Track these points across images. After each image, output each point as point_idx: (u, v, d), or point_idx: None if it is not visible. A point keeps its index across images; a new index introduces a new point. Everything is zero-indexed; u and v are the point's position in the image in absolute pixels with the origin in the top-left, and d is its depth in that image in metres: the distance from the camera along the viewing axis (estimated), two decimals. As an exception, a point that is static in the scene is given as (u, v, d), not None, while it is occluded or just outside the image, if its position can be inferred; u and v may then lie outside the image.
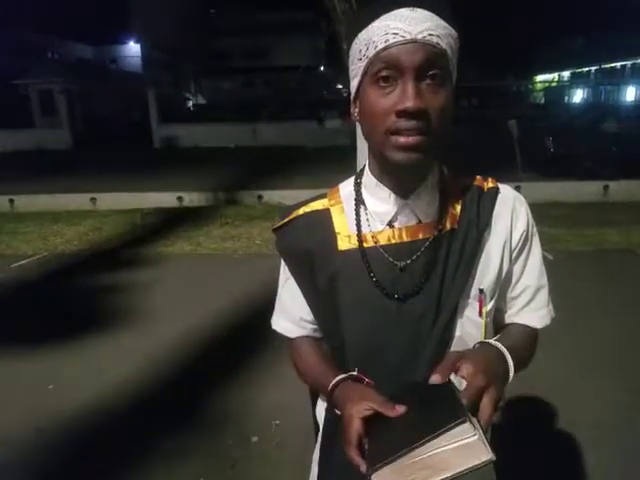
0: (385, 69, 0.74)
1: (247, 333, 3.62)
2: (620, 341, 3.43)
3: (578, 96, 28.31)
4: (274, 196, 8.26)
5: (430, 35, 0.73)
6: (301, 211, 0.96)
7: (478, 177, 0.93)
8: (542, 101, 24.16)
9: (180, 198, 8.47)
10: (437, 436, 0.62)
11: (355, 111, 0.84)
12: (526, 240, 0.91)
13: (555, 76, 34.31)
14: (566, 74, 34.38)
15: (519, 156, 8.77)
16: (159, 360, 3.36)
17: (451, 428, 0.61)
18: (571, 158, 8.97)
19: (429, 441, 0.62)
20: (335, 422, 0.87)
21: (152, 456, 2.46)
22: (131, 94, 21.34)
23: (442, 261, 0.85)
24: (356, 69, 0.79)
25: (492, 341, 0.82)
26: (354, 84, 0.82)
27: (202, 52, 32.25)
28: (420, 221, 0.87)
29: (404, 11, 0.73)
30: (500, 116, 10.52)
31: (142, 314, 4.12)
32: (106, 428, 2.68)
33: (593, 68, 31.24)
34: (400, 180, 0.84)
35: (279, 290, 1.03)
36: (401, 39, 0.72)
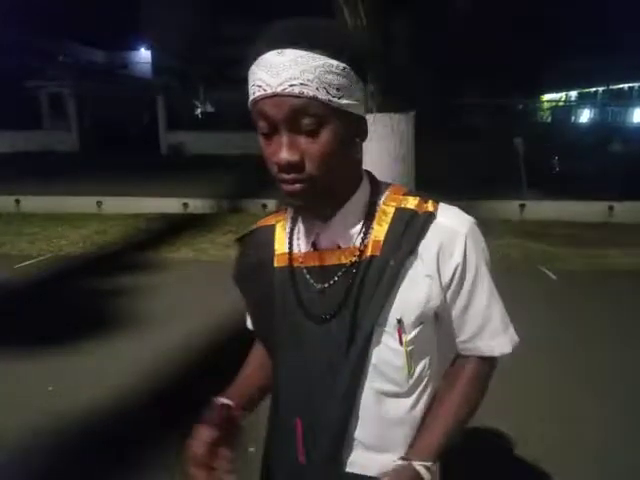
0: (262, 121, 0.74)
1: (247, 341, 3.61)
2: (622, 364, 3.40)
3: (585, 116, 28.40)
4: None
5: (291, 86, 0.70)
6: (259, 224, 1.00)
7: (418, 199, 0.86)
8: (549, 120, 24.22)
9: (185, 204, 8.52)
10: None
11: None
12: (463, 274, 0.84)
13: (562, 95, 34.44)
14: (573, 94, 34.50)
15: (524, 174, 8.78)
16: (159, 365, 3.36)
17: None
18: (576, 178, 9.01)
19: None
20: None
21: (149, 462, 2.46)
22: (140, 100, 21.51)
23: (357, 288, 0.83)
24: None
25: (417, 465, 0.83)
26: None
27: (212, 60, 32.54)
28: (340, 246, 0.85)
29: (270, 56, 0.71)
30: (506, 134, 10.55)
31: (143, 319, 4.13)
32: (104, 432, 2.68)
33: (600, 89, 31.37)
34: (307, 215, 0.87)
35: None
36: (264, 93, 0.71)
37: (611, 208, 7.86)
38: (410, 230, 0.83)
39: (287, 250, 0.90)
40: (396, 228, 0.83)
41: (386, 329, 0.83)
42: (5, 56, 22.80)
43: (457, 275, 0.84)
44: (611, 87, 30.07)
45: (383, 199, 0.87)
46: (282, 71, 0.70)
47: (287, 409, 0.93)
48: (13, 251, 6.14)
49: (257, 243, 0.96)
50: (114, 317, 4.17)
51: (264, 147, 0.77)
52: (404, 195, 0.87)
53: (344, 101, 0.74)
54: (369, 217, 0.85)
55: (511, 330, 0.91)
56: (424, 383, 0.90)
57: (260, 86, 0.72)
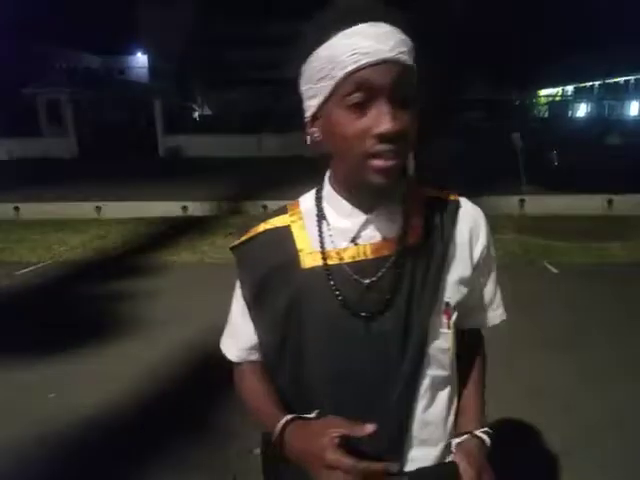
0: (357, 92, 0.70)
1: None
2: (622, 358, 3.40)
3: (582, 110, 28.43)
4: (278, 206, 8.27)
5: (399, 52, 0.70)
6: (261, 228, 0.92)
7: (440, 190, 0.92)
8: (546, 115, 24.24)
9: (185, 207, 8.51)
10: None
11: (314, 131, 0.80)
12: (488, 254, 0.91)
13: (559, 90, 34.44)
14: (570, 88, 34.52)
15: (523, 169, 8.78)
16: (161, 370, 3.35)
17: None
18: (575, 171, 9.00)
19: None
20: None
21: (153, 467, 2.45)
22: (138, 104, 21.53)
23: (408, 277, 0.82)
24: (317, 89, 0.75)
25: (478, 433, 0.89)
26: (313, 104, 0.77)
27: (209, 63, 32.56)
28: (384, 237, 0.84)
29: (365, 27, 0.70)
30: (504, 129, 10.55)
31: (145, 323, 4.12)
32: (107, 438, 2.67)
33: (597, 83, 31.38)
34: (365, 197, 0.82)
35: (231, 313, 0.99)
36: (372, 59, 0.69)
37: (610, 201, 7.86)
38: (445, 217, 0.87)
39: (318, 249, 0.85)
40: (431, 216, 0.86)
41: (438, 314, 0.85)
42: (1, 63, 22.82)
43: (483, 256, 0.90)
44: (607, 81, 30.06)
45: (413, 189, 0.89)
46: (388, 38, 0.70)
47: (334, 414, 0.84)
48: (13, 258, 6.13)
49: (269, 247, 0.89)
50: (115, 322, 4.16)
51: (351, 121, 0.72)
52: (423, 188, 0.91)
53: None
54: (406, 207, 0.86)
55: (502, 302, 1.00)
56: (455, 365, 0.93)
57: (367, 52, 0.69)
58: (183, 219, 8.19)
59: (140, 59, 40.84)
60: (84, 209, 8.43)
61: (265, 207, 8.42)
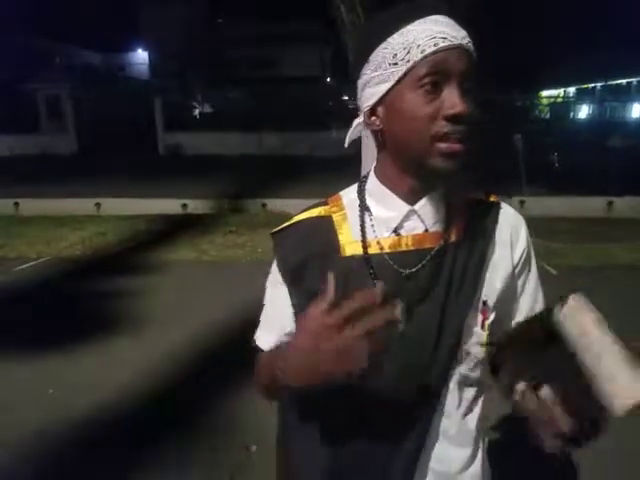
0: (433, 74, 0.72)
1: (248, 342, 3.60)
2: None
3: (583, 112, 28.42)
4: (278, 204, 8.28)
5: (469, 42, 0.74)
6: (301, 217, 0.93)
7: (480, 191, 0.93)
8: (547, 116, 24.23)
9: (184, 205, 8.50)
10: None
11: (376, 119, 0.80)
12: (528, 257, 0.91)
13: (561, 92, 34.45)
14: (572, 90, 34.52)
15: (524, 170, 8.78)
16: (160, 367, 3.35)
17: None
18: (576, 173, 9.00)
19: None
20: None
21: (151, 465, 2.45)
22: (138, 101, 21.50)
23: (448, 271, 0.83)
24: (387, 74, 0.76)
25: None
26: (381, 89, 0.77)
27: (210, 61, 32.54)
28: (427, 229, 0.84)
29: (438, 17, 0.74)
30: (505, 130, 10.55)
31: (143, 320, 4.11)
32: (105, 434, 2.67)
33: (598, 84, 31.38)
34: (415, 187, 0.83)
35: (266, 303, 0.97)
36: (449, 43, 0.72)
37: (611, 203, 7.87)
38: (487, 217, 0.88)
39: (359, 238, 0.86)
40: (474, 215, 0.87)
41: (473, 313, 0.84)
42: (2, 59, 22.79)
43: (523, 258, 0.90)
44: (609, 83, 30.07)
45: (453, 188, 0.89)
46: (458, 29, 0.74)
47: (361, 404, 0.83)
48: (12, 254, 6.12)
49: (309, 235, 0.89)
50: (114, 319, 4.15)
51: (423, 103, 0.73)
52: (463, 187, 0.91)
53: None
54: (448, 203, 0.86)
55: None
56: (486, 374, 0.91)
57: (445, 37, 0.72)
58: (183, 217, 8.18)
59: (141, 56, 40.79)
60: (84, 205, 8.42)
61: (265, 205, 8.42)
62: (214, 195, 8.94)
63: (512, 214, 0.91)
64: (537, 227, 6.75)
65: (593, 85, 31.93)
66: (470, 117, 0.73)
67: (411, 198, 0.84)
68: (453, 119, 0.72)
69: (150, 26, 37.49)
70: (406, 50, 0.73)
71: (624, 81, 29.66)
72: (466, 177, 0.91)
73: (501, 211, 0.90)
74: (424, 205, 0.84)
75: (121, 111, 21.33)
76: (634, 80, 28.29)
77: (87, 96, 20.41)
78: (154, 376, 3.24)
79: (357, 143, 0.97)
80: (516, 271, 0.89)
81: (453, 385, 0.85)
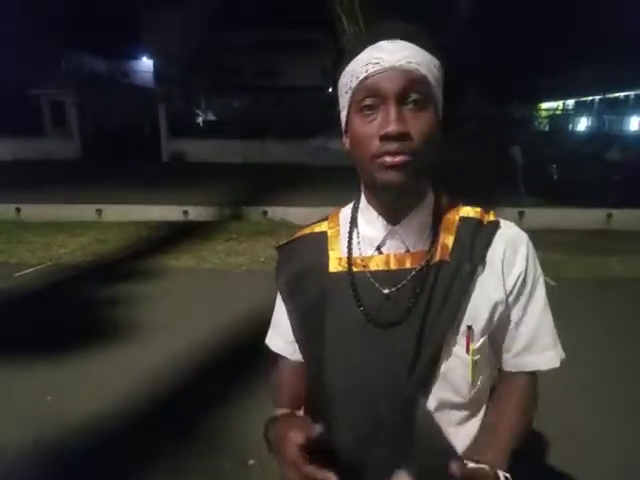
0: (368, 97, 0.77)
1: (248, 351, 3.60)
2: (622, 374, 3.40)
3: (582, 124, 28.53)
4: (279, 212, 8.31)
5: (408, 62, 0.76)
6: (303, 232, 0.98)
7: (479, 209, 0.90)
8: (546, 128, 24.31)
9: (186, 212, 8.53)
10: None
11: (346, 141, 0.85)
12: (524, 282, 0.87)
13: (560, 104, 34.58)
14: (571, 102, 34.66)
15: (522, 182, 8.82)
16: (158, 375, 3.35)
17: None
18: (575, 185, 9.02)
19: None
20: None
21: (149, 474, 2.45)
22: (142, 108, 21.61)
23: (428, 292, 0.82)
24: (343, 101, 0.83)
25: (499, 472, 0.78)
26: (343, 116, 0.85)
27: (213, 69, 32.72)
28: (408, 249, 0.85)
29: (384, 43, 0.78)
30: (504, 142, 10.61)
31: (143, 328, 4.12)
32: (103, 443, 2.67)
33: (597, 97, 31.52)
34: (388, 205, 0.84)
35: (275, 308, 1.03)
36: (380, 67, 0.76)
37: (610, 215, 7.89)
38: (478, 238, 0.86)
39: (345, 255, 0.88)
40: (463, 235, 0.86)
41: (455, 336, 0.83)
42: (7, 64, 22.92)
43: (519, 283, 0.86)
44: (607, 95, 30.21)
45: (445, 206, 0.89)
46: (399, 51, 0.77)
47: (344, 420, 0.86)
48: (12, 259, 6.14)
49: (306, 250, 0.94)
50: (114, 326, 4.16)
51: (362, 125, 0.79)
52: (462, 205, 0.91)
53: (439, 93, 0.81)
54: (436, 222, 0.87)
55: (559, 344, 0.91)
56: (482, 396, 0.90)
57: (377, 62, 0.77)
58: (184, 223, 8.20)
59: (145, 63, 41.02)
60: (85, 211, 8.45)
61: (266, 213, 8.45)
62: (215, 202, 8.97)
63: (510, 235, 0.88)
64: (536, 239, 6.72)
65: (592, 98, 32.07)
66: (403, 134, 0.75)
67: (393, 216, 0.85)
68: (386, 137, 0.75)
69: (154, 34, 37.71)
70: (351, 78, 0.80)
71: (622, 94, 29.78)
72: (451, 192, 0.93)
73: (498, 232, 0.87)
74: (405, 225, 0.85)
75: (125, 118, 21.45)
76: (632, 93, 28.42)
77: (91, 102, 20.51)
78: (154, 384, 3.25)
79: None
80: (511, 297, 0.86)
81: (431, 406, 0.83)
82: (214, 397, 3.11)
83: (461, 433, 0.88)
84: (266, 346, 1.04)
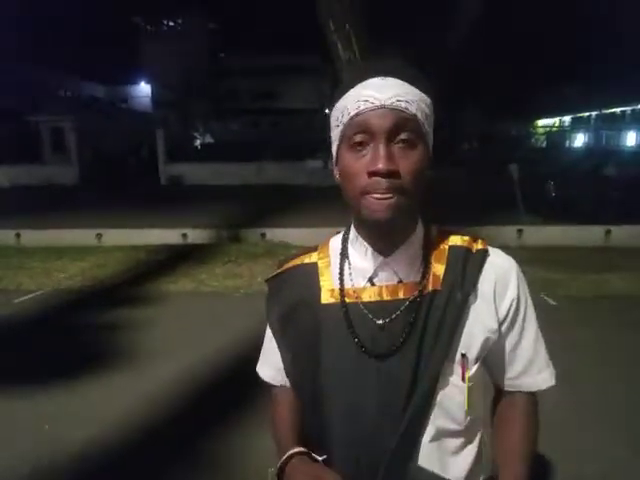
0: (358, 134, 0.78)
1: (245, 374, 3.57)
2: (622, 392, 3.37)
3: (579, 141, 28.80)
4: (277, 234, 8.32)
5: (398, 101, 0.77)
6: (291, 264, 0.98)
7: (467, 238, 0.91)
8: (544, 145, 24.54)
9: (184, 235, 8.55)
10: None
11: (337, 174, 0.86)
12: (517, 309, 0.88)
13: (557, 121, 34.95)
14: (567, 119, 35.03)
15: (520, 200, 8.86)
16: (158, 401, 3.32)
17: None
18: (573, 202, 9.07)
19: None
20: None
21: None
22: (140, 133, 21.85)
23: (422, 322, 0.83)
24: (334, 135, 0.84)
25: None
26: (334, 149, 0.86)
27: (211, 93, 33.16)
28: (401, 280, 0.86)
29: (375, 80, 0.79)
30: (502, 160, 10.70)
31: (142, 353, 4.10)
32: (101, 470, 2.63)
33: (594, 113, 31.88)
34: (378, 238, 0.85)
35: (265, 338, 1.03)
36: (371, 105, 0.77)
37: (608, 232, 7.89)
38: (469, 266, 0.87)
39: (338, 286, 0.89)
40: (454, 264, 0.87)
41: (451, 364, 0.84)
42: (6, 90, 23.22)
43: (512, 310, 0.88)
44: (604, 111, 30.56)
45: (435, 237, 0.90)
46: (389, 89, 0.78)
47: (342, 452, 0.87)
48: (12, 285, 6.13)
49: (296, 281, 0.94)
50: (113, 352, 4.14)
51: (352, 161, 0.80)
52: (451, 234, 0.92)
53: (429, 130, 0.82)
54: (426, 253, 0.88)
55: (551, 363, 0.95)
56: (476, 423, 0.91)
57: (367, 100, 0.78)
58: (182, 247, 8.21)
59: (143, 89, 41.59)
60: (85, 236, 8.46)
61: (264, 235, 8.47)
62: (214, 225, 9.00)
63: (499, 264, 0.89)
64: (535, 256, 6.79)
65: (588, 114, 32.43)
66: (391, 172, 0.75)
67: (384, 248, 0.86)
68: (374, 174, 0.76)
69: (153, 59, 38.35)
70: (342, 113, 0.81)
71: (619, 110, 30.12)
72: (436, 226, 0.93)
73: (488, 259, 0.88)
74: (397, 256, 0.86)
75: (124, 142, 21.67)
76: (628, 109, 28.74)
77: (90, 128, 20.74)
78: (153, 409, 3.22)
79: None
80: (504, 326, 0.88)
81: (429, 435, 0.84)
82: (213, 422, 3.08)
83: (459, 462, 0.88)
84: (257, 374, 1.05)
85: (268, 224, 8.91)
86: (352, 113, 0.79)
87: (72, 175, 19.45)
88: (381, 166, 0.75)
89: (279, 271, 0.99)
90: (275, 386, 1.03)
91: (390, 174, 0.75)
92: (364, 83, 0.79)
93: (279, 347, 0.97)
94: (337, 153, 0.85)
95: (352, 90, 0.80)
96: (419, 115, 0.79)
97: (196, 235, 8.59)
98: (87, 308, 5.30)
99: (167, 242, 8.28)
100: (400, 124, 0.77)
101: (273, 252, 7.36)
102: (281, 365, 0.98)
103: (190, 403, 3.33)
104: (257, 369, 1.06)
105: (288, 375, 0.97)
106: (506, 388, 0.94)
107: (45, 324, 4.87)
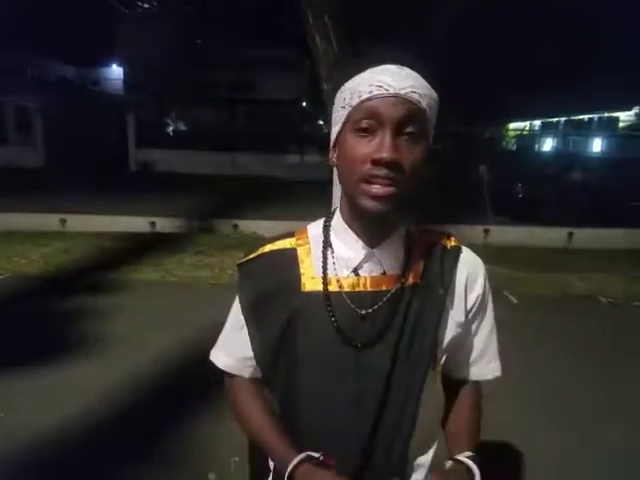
0: (366, 119, 0.77)
1: (210, 365, 3.56)
2: (582, 387, 3.49)
3: (548, 145, 29.48)
4: (250, 226, 8.26)
5: (412, 92, 0.76)
6: (267, 249, 0.95)
7: (442, 234, 0.95)
8: (514, 148, 25.02)
9: (153, 223, 8.39)
10: None
11: (333, 156, 0.85)
12: (482, 302, 0.94)
13: (527, 124, 35.69)
14: (537, 123, 35.81)
15: (489, 201, 9.03)
16: (119, 390, 3.27)
17: None
18: (539, 204, 9.29)
19: None
20: None
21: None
22: (110, 116, 21.27)
23: (402, 314, 0.85)
24: (338, 116, 0.82)
25: (463, 459, 0.87)
26: (335, 130, 0.84)
27: (186, 80, 32.57)
28: (385, 272, 0.87)
29: (392, 67, 0.78)
30: (473, 161, 10.87)
31: (105, 341, 4.02)
32: (58, 460, 2.58)
33: (562, 119, 32.66)
34: (369, 229, 0.86)
35: (226, 326, 1.02)
36: (384, 92, 0.76)
37: (571, 234, 8.14)
38: (446, 262, 0.91)
39: (320, 275, 0.88)
40: (432, 259, 0.90)
41: (426, 354, 0.87)
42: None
43: (477, 304, 0.93)
44: (572, 117, 31.35)
45: (414, 231, 0.93)
46: (406, 79, 0.77)
47: (314, 438, 0.87)
48: (-30, 269, 5.91)
49: (273, 267, 0.93)
50: (75, 339, 4.05)
51: (356, 146, 0.78)
52: (427, 230, 0.95)
53: (432, 129, 0.82)
54: (407, 246, 0.90)
55: (498, 356, 1.01)
56: (438, 407, 0.96)
57: (381, 86, 0.76)
58: (150, 235, 8.06)
59: (115, 71, 40.50)
60: (48, 221, 8.21)
61: (236, 226, 8.39)
62: (184, 214, 8.86)
63: (471, 260, 0.95)
64: (500, 255, 6.94)
65: (557, 119, 33.22)
66: (395, 163, 0.75)
67: (372, 239, 0.87)
68: (378, 163, 0.76)
69: (127, 42, 37.33)
70: (350, 95, 0.79)
71: (586, 117, 30.96)
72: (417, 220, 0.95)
73: (461, 256, 0.93)
74: (383, 248, 0.87)
75: (93, 126, 21.04)
76: (595, 116, 29.58)
77: (58, 109, 20.07)
78: (112, 398, 3.16)
79: (331, 169, 1.02)
80: (470, 315, 0.93)
81: (407, 423, 0.86)
82: (176, 411, 3.05)
83: (433, 447, 0.95)
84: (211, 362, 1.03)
85: (241, 215, 8.82)
86: (363, 97, 0.77)
87: (37, 158, 18.82)
88: (387, 155, 0.75)
89: (253, 255, 0.97)
90: (231, 375, 1.02)
91: (394, 165, 0.75)
92: (379, 68, 0.78)
93: (251, 333, 0.95)
94: (338, 135, 0.83)
95: (365, 73, 0.78)
96: (428, 111, 0.79)
97: (165, 224, 8.44)
98: (48, 294, 5.15)
99: (134, 230, 8.09)
100: (410, 116, 0.77)
101: (245, 244, 7.29)
102: (243, 355, 0.97)
103: (153, 391, 3.29)
104: (211, 356, 1.04)
105: (259, 362, 0.95)
106: (456, 375, 0.99)
107: (3, 309, 4.71)
